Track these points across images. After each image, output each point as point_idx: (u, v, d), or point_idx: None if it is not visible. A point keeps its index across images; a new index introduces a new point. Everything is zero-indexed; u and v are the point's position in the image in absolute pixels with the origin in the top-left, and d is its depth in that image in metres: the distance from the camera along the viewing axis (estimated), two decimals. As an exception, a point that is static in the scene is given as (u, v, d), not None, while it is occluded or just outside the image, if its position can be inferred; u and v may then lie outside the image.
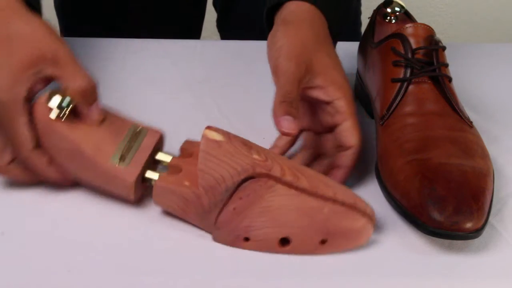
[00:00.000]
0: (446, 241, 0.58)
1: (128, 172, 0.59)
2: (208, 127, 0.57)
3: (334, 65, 0.64)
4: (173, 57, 0.86)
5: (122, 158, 0.59)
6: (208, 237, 0.58)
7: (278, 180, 0.56)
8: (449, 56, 0.68)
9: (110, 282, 0.54)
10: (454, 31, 1.69)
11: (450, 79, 0.67)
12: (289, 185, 0.56)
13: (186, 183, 0.58)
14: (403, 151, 0.61)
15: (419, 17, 0.80)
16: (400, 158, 0.61)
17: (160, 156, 0.62)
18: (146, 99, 0.77)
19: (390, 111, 0.65)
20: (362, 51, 0.77)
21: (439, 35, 0.69)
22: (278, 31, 0.64)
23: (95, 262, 0.56)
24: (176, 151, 0.62)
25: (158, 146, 0.63)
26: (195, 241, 0.58)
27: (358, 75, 0.79)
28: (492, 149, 0.64)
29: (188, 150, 0.62)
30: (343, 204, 0.56)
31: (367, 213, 0.57)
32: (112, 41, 0.87)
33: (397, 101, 0.66)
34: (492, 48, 0.93)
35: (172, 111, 0.75)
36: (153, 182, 0.59)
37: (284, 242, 0.57)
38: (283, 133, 0.59)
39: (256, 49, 0.89)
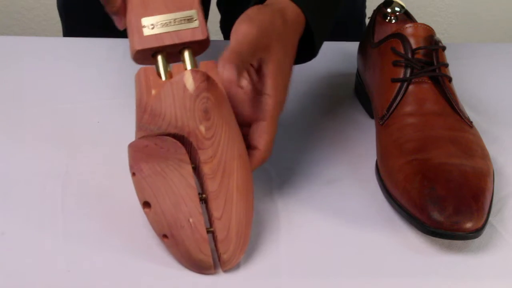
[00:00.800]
0: (446, 241, 0.58)
1: (142, 40, 0.59)
2: (195, 71, 0.56)
3: (285, 66, 0.61)
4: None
5: (151, 26, 0.58)
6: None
7: (191, 162, 0.54)
8: (449, 56, 0.69)
9: (110, 282, 0.54)
10: (454, 31, 1.69)
11: (450, 79, 0.67)
12: (193, 174, 0.54)
13: (153, 91, 0.57)
14: (403, 151, 0.62)
15: (419, 17, 0.80)
16: (400, 158, 0.61)
17: (185, 54, 0.60)
18: (146, 99, 0.77)
19: (390, 111, 0.66)
20: (362, 51, 0.77)
21: (439, 35, 0.69)
22: (252, 7, 0.61)
23: (95, 262, 0.56)
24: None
25: (193, 47, 0.60)
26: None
27: (358, 75, 0.79)
28: (492, 149, 0.64)
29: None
30: (201, 232, 0.54)
31: (211, 265, 0.54)
32: (112, 41, 0.87)
33: (397, 101, 0.66)
34: (492, 48, 0.93)
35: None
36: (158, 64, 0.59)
37: (146, 205, 0.55)
38: (223, 78, 0.56)
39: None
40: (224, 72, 0.55)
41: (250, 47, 0.57)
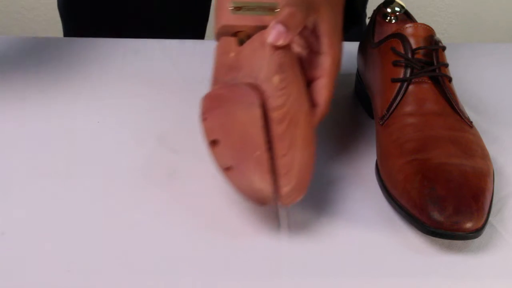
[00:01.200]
0: (446, 241, 0.58)
1: (229, 17, 0.61)
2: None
3: (337, 25, 0.64)
4: (173, 57, 0.86)
5: (238, 8, 0.61)
6: (209, 237, 0.58)
7: (264, 105, 0.56)
8: (449, 56, 0.69)
9: (110, 282, 0.54)
10: (454, 31, 1.69)
11: (450, 79, 0.67)
12: (261, 117, 0.56)
13: (232, 53, 0.61)
14: (403, 151, 0.62)
15: (419, 17, 0.80)
16: (400, 158, 0.61)
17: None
18: (146, 99, 0.77)
19: (390, 111, 0.66)
20: (362, 51, 0.77)
21: (439, 35, 0.69)
22: None
23: (95, 262, 0.56)
24: (176, 151, 0.63)
25: None
26: (195, 241, 0.58)
27: (358, 75, 0.79)
28: (492, 149, 0.64)
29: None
30: (271, 165, 0.56)
31: (271, 195, 0.56)
32: (112, 41, 0.87)
33: (397, 101, 0.66)
34: (492, 48, 0.93)
35: (172, 111, 0.75)
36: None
37: (213, 143, 0.59)
38: (271, 41, 0.58)
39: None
40: (271, 36, 0.57)
41: (302, 10, 0.60)
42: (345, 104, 0.78)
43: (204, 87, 0.80)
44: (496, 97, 0.80)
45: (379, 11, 0.79)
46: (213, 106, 0.59)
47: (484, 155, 0.62)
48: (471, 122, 0.65)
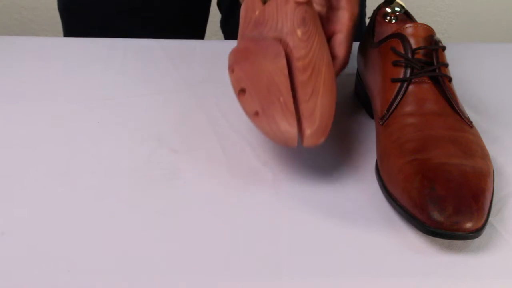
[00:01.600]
0: (446, 241, 0.58)
1: None
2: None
3: None
4: (173, 57, 0.86)
5: None
6: (209, 237, 0.58)
7: (288, 56, 0.61)
8: (449, 56, 0.69)
9: (110, 282, 0.54)
10: (454, 31, 1.69)
11: (450, 79, 0.67)
12: (286, 66, 0.61)
13: (257, 11, 0.65)
14: (403, 151, 0.62)
15: (419, 17, 0.80)
16: (400, 158, 0.61)
17: None
18: (146, 99, 0.77)
19: (390, 111, 0.66)
20: (362, 51, 0.77)
21: (439, 35, 0.69)
22: None
23: (96, 262, 0.56)
24: (176, 151, 0.63)
25: None
26: (195, 241, 0.58)
27: (358, 75, 0.79)
28: (492, 149, 0.64)
29: None
30: (295, 109, 0.59)
31: (295, 136, 0.59)
32: (112, 41, 0.87)
33: (397, 101, 0.66)
34: (492, 48, 0.93)
35: (172, 111, 0.75)
36: None
37: (241, 92, 0.62)
38: None
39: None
40: None
41: None
42: (345, 104, 0.78)
43: (204, 87, 0.80)
44: (496, 97, 0.80)
45: (379, 11, 0.79)
46: (240, 58, 0.63)
47: (484, 155, 0.62)
48: (471, 122, 0.65)
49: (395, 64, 0.67)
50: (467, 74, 0.82)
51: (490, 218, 0.58)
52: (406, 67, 0.66)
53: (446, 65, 0.67)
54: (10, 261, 0.56)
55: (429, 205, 0.56)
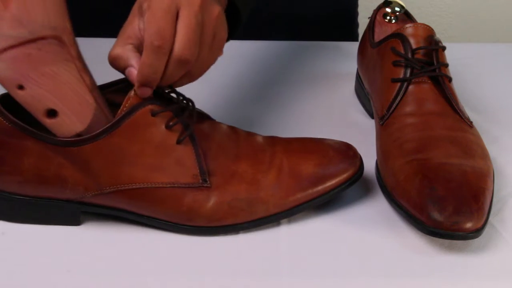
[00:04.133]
0: (446, 241, 0.58)
1: None
2: None
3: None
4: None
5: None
6: (209, 237, 0.58)
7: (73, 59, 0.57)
8: (449, 56, 0.69)
9: (110, 282, 0.54)
10: (454, 31, 1.69)
11: (450, 79, 0.67)
12: (78, 70, 0.57)
13: None
14: (403, 151, 0.61)
15: (419, 17, 0.80)
16: (400, 158, 0.61)
17: None
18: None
19: (390, 111, 0.66)
20: (362, 51, 0.77)
21: (439, 35, 0.69)
22: None
23: (95, 262, 0.56)
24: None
25: None
26: (195, 241, 0.58)
27: (358, 75, 0.79)
28: (492, 149, 0.64)
29: None
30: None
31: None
32: (112, 41, 0.86)
33: (397, 101, 0.66)
34: (492, 48, 0.93)
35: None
36: None
37: (50, 113, 0.56)
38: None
39: (256, 49, 0.89)
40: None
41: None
42: (345, 104, 0.78)
43: (203, 87, 0.80)
44: (496, 97, 0.80)
45: (379, 11, 0.79)
46: (27, 69, 0.56)
47: (484, 155, 0.62)
48: (471, 122, 0.65)
49: (395, 64, 0.67)
50: (467, 74, 0.82)
51: (490, 218, 0.58)
52: (406, 67, 0.66)
53: (446, 65, 0.67)
54: (11, 261, 0.56)
55: (429, 205, 0.56)
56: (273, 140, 0.62)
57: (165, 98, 0.60)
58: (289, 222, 0.60)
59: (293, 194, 0.59)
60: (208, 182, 0.58)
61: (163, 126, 0.57)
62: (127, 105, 0.56)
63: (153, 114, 0.57)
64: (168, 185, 0.57)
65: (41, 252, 0.57)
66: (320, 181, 0.59)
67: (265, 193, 0.59)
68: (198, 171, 0.57)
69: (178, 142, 0.57)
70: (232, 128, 0.63)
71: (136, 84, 0.57)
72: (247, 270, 0.56)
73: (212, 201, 0.58)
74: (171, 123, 0.57)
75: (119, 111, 0.56)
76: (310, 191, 0.59)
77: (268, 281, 0.55)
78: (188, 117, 0.59)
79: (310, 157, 0.61)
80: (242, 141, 0.61)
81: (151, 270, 0.55)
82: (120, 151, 0.56)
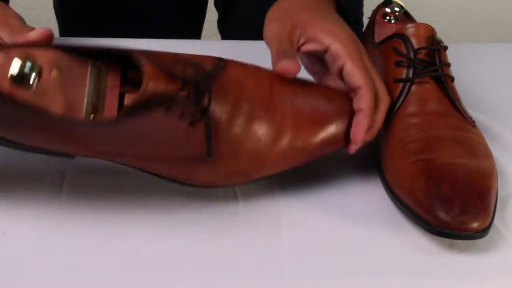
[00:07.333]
0: (447, 241, 0.58)
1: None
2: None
3: (322, 16, 0.64)
4: (173, 57, 0.85)
5: (94, 111, 0.57)
6: (209, 237, 0.58)
7: None
8: (450, 56, 0.69)
9: (110, 282, 0.54)
10: (454, 31, 1.69)
11: (452, 79, 0.67)
12: None
13: None
14: (408, 151, 0.62)
15: (419, 17, 0.80)
16: (404, 158, 0.61)
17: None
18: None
19: (393, 112, 0.65)
20: (362, 51, 0.77)
21: (439, 35, 0.69)
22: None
23: (97, 262, 0.56)
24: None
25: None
26: (195, 241, 0.58)
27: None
28: (494, 148, 0.64)
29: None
30: None
31: None
32: (112, 41, 0.86)
33: (400, 102, 0.66)
34: (492, 48, 0.93)
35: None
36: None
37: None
38: (285, 72, 0.60)
39: (256, 49, 0.89)
40: (281, 68, 0.60)
41: (283, 40, 0.62)
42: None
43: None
44: (496, 96, 0.80)
45: (379, 11, 0.79)
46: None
47: (488, 155, 0.62)
48: (474, 122, 0.65)
49: (398, 64, 0.67)
50: (467, 74, 0.82)
51: (492, 218, 0.58)
52: (408, 67, 0.66)
53: (448, 65, 0.67)
54: (12, 261, 0.56)
55: (436, 205, 0.56)
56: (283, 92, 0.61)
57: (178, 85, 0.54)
58: (291, 222, 0.60)
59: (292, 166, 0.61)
60: (212, 155, 0.57)
61: (176, 117, 0.54)
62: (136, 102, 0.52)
63: (167, 110, 0.54)
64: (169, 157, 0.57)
65: (42, 252, 0.57)
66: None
67: (265, 169, 0.60)
68: (205, 149, 0.57)
69: (191, 124, 0.55)
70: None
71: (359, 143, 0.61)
72: (247, 270, 0.55)
73: (210, 170, 0.58)
74: (186, 114, 0.54)
75: (124, 107, 0.54)
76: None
77: (268, 281, 0.55)
78: (203, 99, 0.55)
79: (316, 129, 0.61)
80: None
81: (151, 270, 0.55)
82: (129, 133, 0.54)
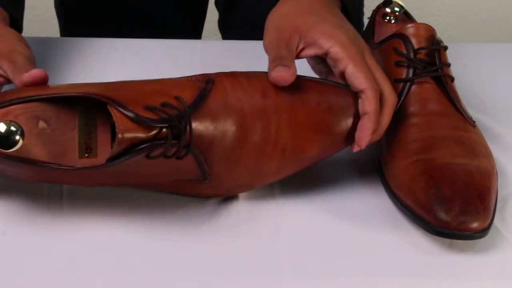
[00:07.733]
0: (447, 241, 0.58)
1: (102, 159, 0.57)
2: None
3: (321, 19, 0.63)
4: (173, 57, 0.85)
5: (88, 150, 0.57)
6: (209, 237, 0.58)
7: None
8: (449, 56, 0.69)
9: (110, 282, 0.54)
10: (454, 31, 1.69)
11: (452, 79, 0.67)
12: None
13: None
14: (408, 151, 0.62)
15: (419, 17, 0.80)
16: (404, 158, 0.61)
17: None
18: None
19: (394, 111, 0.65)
20: (362, 51, 0.77)
21: (439, 35, 0.69)
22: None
23: (97, 262, 0.56)
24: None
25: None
26: (195, 241, 0.58)
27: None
28: (493, 148, 0.64)
29: None
30: None
31: None
32: (112, 41, 0.87)
33: (400, 101, 0.65)
34: (492, 48, 0.93)
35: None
36: None
37: None
38: (277, 81, 0.59)
39: (257, 49, 0.89)
40: (274, 77, 0.59)
41: (281, 46, 0.61)
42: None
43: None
44: (496, 96, 0.80)
45: (379, 11, 0.78)
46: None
47: (487, 155, 0.62)
48: (474, 122, 0.65)
49: (398, 64, 0.67)
50: (467, 74, 0.82)
51: (492, 218, 0.59)
52: (408, 67, 0.66)
53: (448, 65, 0.67)
54: (12, 261, 0.56)
55: (436, 205, 0.56)
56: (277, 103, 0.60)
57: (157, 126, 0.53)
58: (291, 222, 0.60)
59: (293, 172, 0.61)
60: (209, 177, 0.58)
61: (161, 157, 0.54)
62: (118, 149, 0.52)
63: (149, 158, 0.53)
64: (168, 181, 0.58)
65: (43, 251, 0.57)
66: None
67: (266, 179, 0.60)
68: (200, 173, 0.57)
69: (178, 158, 0.55)
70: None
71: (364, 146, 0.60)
72: (247, 270, 0.56)
73: (210, 187, 0.59)
74: (168, 154, 0.54)
75: (112, 151, 0.53)
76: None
77: (268, 281, 0.55)
78: (183, 137, 0.54)
79: (316, 137, 0.60)
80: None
81: (151, 270, 0.55)
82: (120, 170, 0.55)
